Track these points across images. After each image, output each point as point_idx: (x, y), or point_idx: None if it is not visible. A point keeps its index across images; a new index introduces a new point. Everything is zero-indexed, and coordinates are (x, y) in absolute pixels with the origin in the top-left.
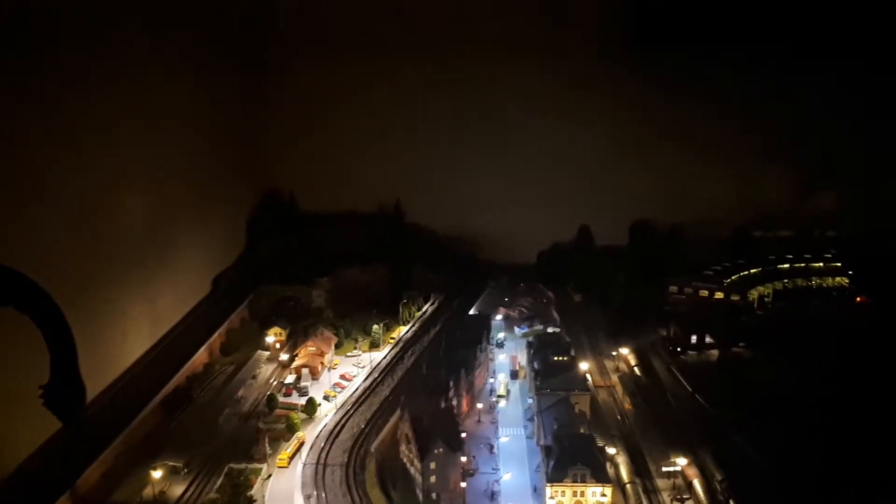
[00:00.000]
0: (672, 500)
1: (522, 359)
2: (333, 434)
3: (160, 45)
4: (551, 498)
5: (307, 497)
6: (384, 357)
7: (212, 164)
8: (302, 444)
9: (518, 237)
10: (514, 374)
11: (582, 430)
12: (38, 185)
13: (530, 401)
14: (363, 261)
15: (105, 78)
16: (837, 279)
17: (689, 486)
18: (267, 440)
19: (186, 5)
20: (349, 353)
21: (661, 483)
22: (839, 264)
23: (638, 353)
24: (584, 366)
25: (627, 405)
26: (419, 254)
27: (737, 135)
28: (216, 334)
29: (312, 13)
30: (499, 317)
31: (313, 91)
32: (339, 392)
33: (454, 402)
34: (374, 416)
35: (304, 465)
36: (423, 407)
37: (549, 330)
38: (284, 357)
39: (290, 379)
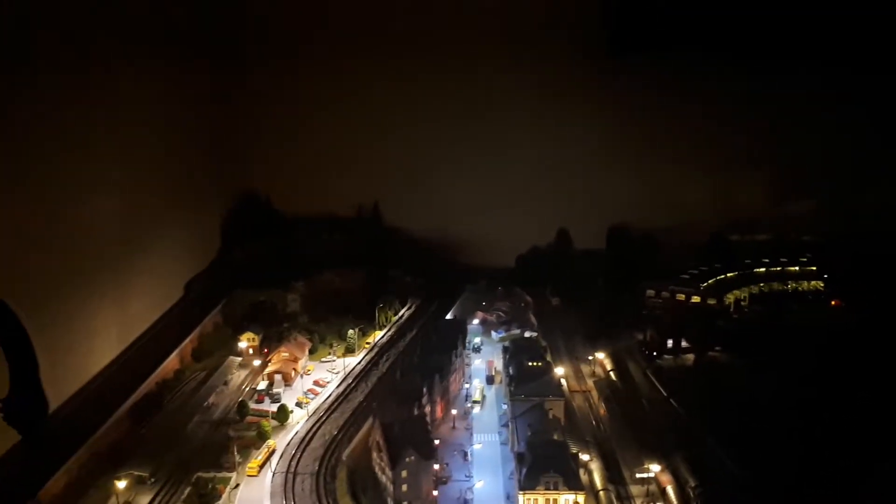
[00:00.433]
0: None
1: (499, 363)
2: (305, 442)
3: (132, 46)
4: None
5: None
6: (359, 362)
7: (187, 167)
8: (272, 452)
9: (497, 241)
10: (490, 380)
11: (556, 437)
12: (1, 188)
13: (505, 407)
14: (340, 265)
15: (76, 81)
16: (813, 283)
17: (663, 492)
18: (237, 448)
19: (158, 6)
20: (323, 359)
21: (634, 489)
22: (814, 268)
23: (614, 357)
24: (559, 371)
25: (602, 410)
26: (397, 257)
27: (714, 141)
28: (188, 340)
29: (288, 16)
30: (476, 321)
31: (291, 93)
32: (312, 398)
33: (428, 409)
34: (346, 424)
35: (274, 473)
36: (395, 414)
37: (526, 334)
38: (257, 363)
39: (262, 385)
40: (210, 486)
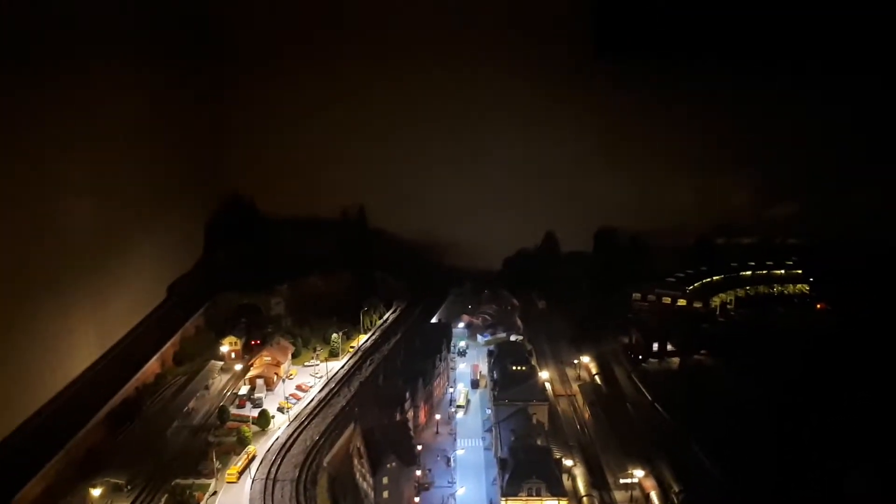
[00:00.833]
0: None
1: (484, 367)
2: (285, 447)
3: (112, 48)
4: None
5: None
6: (342, 367)
7: (169, 169)
8: (252, 458)
9: (483, 243)
10: (474, 384)
11: (539, 442)
12: None
13: (489, 411)
14: (325, 268)
15: (55, 82)
16: (799, 286)
17: (647, 497)
18: (216, 454)
19: (138, 9)
20: (307, 363)
21: (618, 495)
22: (800, 271)
23: (599, 361)
24: (544, 375)
25: (587, 415)
26: (382, 260)
27: (701, 144)
28: (169, 343)
29: (271, 18)
30: (462, 324)
31: (275, 95)
32: (294, 403)
33: (411, 414)
34: (328, 429)
35: (254, 480)
36: (377, 419)
37: (512, 338)
38: (239, 367)
39: (243, 390)
40: (188, 493)
